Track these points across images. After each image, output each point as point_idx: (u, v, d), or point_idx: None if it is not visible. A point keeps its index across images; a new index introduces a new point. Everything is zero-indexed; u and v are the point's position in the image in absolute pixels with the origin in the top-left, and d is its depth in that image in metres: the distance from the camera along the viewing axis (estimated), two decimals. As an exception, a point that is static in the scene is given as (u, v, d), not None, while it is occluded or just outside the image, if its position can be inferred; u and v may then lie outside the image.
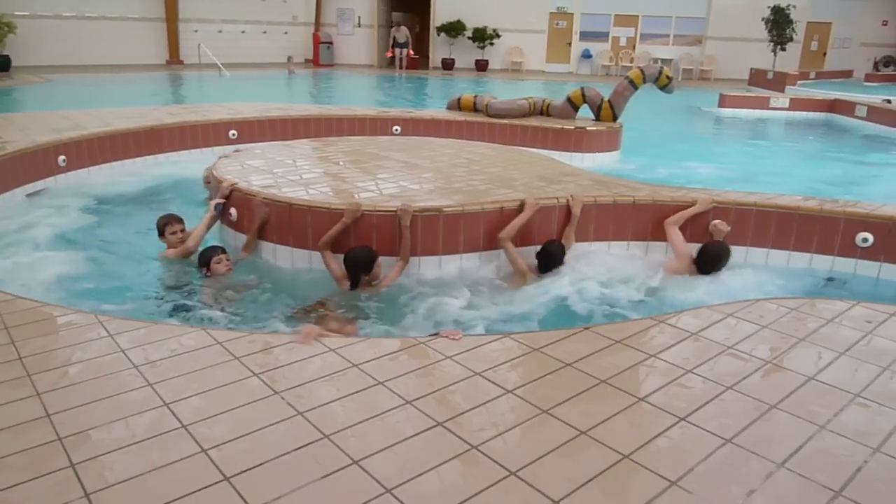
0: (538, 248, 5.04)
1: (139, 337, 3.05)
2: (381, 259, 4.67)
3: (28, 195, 6.81)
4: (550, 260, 4.96)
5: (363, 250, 4.63)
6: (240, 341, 3.04)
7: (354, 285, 4.60)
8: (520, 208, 5.08)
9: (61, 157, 7.24)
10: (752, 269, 5.13)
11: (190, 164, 8.49)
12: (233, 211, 5.38)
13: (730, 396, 2.68)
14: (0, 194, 6.47)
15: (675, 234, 5.20)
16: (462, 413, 2.52)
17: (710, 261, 4.91)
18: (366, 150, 7.07)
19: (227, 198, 5.33)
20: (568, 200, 5.25)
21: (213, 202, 5.35)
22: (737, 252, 5.11)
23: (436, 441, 2.35)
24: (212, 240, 5.34)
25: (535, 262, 5.02)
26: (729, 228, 5.21)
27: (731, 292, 4.50)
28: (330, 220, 4.71)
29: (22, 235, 5.88)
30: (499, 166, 6.47)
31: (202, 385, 2.66)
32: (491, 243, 5.03)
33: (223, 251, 4.93)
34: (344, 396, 2.61)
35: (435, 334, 3.22)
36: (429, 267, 4.94)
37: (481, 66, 25.66)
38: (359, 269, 4.58)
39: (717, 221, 5.29)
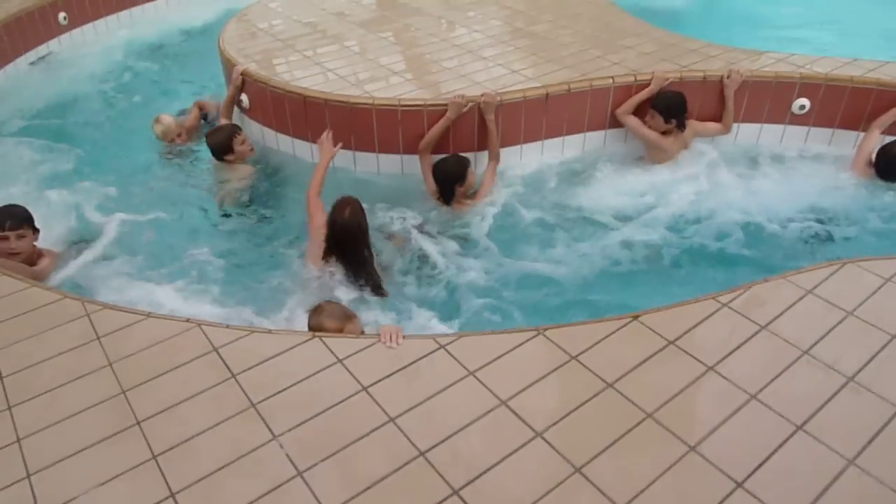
0: None
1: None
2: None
3: (31, 63, 6.23)
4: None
5: (454, 159, 4.08)
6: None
7: (448, 201, 4.09)
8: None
9: (62, 15, 6.51)
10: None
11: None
12: (244, 97, 4.74)
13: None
14: (2, 67, 5.92)
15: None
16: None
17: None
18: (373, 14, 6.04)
19: (241, 87, 4.65)
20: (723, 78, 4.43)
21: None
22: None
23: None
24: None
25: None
26: None
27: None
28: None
29: (31, 122, 5.43)
30: (546, 21, 5.44)
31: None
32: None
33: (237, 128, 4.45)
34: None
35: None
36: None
37: None
38: (453, 181, 4.04)
39: None
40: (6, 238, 3.38)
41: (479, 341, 2.58)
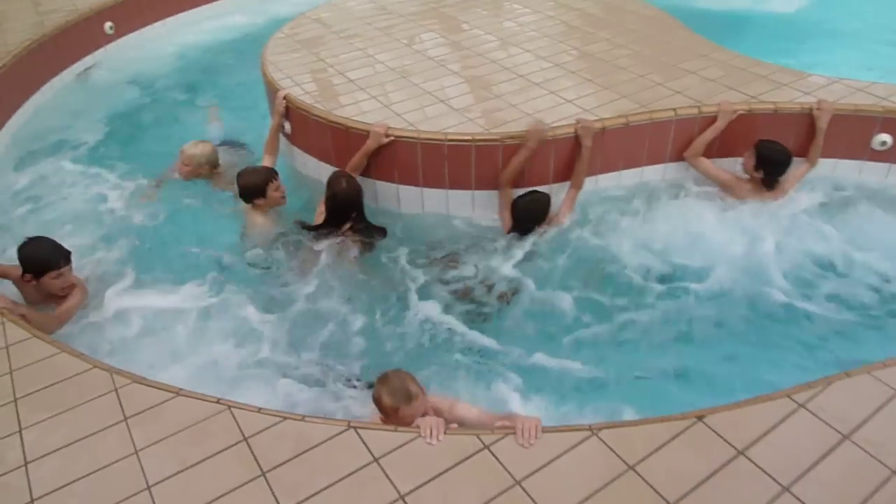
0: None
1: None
2: None
3: (78, 75, 6.19)
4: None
5: (544, 200, 3.94)
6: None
7: (524, 233, 3.98)
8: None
9: (108, 24, 6.45)
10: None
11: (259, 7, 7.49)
12: (286, 124, 4.57)
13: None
14: (48, 81, 5.89)
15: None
16: None
17: None
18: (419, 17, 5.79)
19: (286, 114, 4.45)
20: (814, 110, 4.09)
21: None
22: None
23: None
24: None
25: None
26: None
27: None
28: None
29: (79, 135, 5.36)
30: (603, 39, 5.12)
31: None
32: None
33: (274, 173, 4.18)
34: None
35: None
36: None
37: None
38: (537, 221, 3.96)
39: None
40: (61, 275, 3.42)
41: (526, 441, 2.37)
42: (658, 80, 4.50)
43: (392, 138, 4.02)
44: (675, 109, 4.16)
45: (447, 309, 3.63)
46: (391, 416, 2.59)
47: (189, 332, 3.44)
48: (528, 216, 3.94)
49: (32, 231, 3.81)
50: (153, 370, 2.98)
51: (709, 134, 4.11)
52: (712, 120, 4.14)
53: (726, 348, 3.37)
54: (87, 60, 6.32)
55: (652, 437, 2.35)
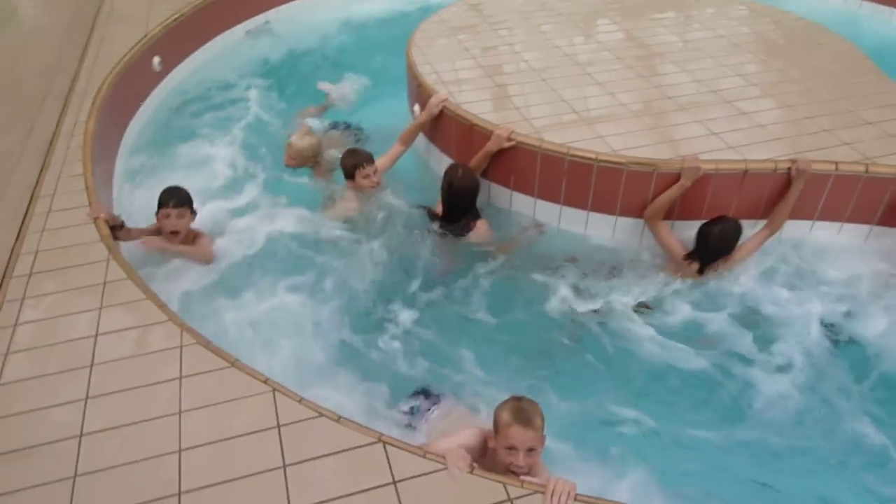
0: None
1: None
2: None
3: (248, 32, 6.54)
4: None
5: (735, 225, 3.61)
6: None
7: (703, 270, 3.67)
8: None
9: (284, -16, 6.75)
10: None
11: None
12: (416, 108, 4.54)
13: None
14: (220, 34, 6.28)
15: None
16: None
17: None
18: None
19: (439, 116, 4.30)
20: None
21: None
22: None
23: None
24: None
25: None
26: None
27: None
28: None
29: (242, 93, 5.68)
30: (775, 70, 4.59)
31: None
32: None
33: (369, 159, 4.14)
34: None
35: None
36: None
37: None
38: (725, 251, 3.63)
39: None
40: (168, 215, 3.58)
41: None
42: (826, 126, 3.97)
43: (514, 143, 3.87)
44: (836, 164, 3.64)
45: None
46: (499, 431, 2.41)
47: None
48: (718, 245, 3.59)
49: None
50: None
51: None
52: (872, 182, 3.59)
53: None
54: (259, 18, 6.63)
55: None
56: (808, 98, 4.26)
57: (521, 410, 2.40)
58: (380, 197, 4.20)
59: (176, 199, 3.62)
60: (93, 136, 4.14)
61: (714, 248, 3.59)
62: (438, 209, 4.06)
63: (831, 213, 3.77)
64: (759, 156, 3.68)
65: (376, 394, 3.14)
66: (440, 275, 3.89)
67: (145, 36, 5.32)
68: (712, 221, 3.61)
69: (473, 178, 3.94)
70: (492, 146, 3.90)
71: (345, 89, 5.57)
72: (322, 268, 3.83)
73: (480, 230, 3.97)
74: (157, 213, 3.61)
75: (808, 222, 3.83)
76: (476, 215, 4.00)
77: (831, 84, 4.41)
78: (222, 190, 4.35)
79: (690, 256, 3.66)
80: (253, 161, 4.70)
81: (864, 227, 3.80)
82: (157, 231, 3.70)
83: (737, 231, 3.59)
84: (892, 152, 3.72)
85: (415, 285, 3.79)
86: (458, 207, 3.95)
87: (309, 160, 4.54)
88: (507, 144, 3.87)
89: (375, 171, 4.12)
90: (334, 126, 5.05)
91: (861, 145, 3.79)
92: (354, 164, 4.09)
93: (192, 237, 3.74)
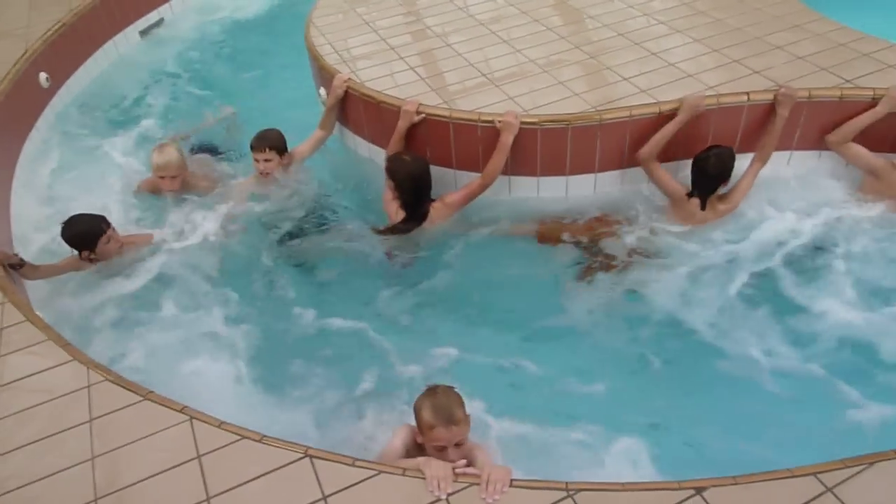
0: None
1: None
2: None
3: (141, 32, 6.19)
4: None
5: (727, 151, 3.51)
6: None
7: (704, 204, 3.58)
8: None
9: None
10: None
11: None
12: (322, 91, 4.34)
13: None
14: (111, 37, 5.92)
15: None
16: None
17: None
18: None
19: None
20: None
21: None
22: None
23: None
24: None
25: None
26: None
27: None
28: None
29: (145, 108, 5.37)
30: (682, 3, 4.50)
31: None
32: None
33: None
34: None
35: None
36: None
37: None
38: (722, 177, 3.52)
39: None
40: (111, 237, 3.57)
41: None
42: (738, 55, 3.91)
43: (423, 116, 3.72)
44: (748, 94, 3.59)
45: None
46: (424, 433, 2.37)
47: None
48: (717, 169, 3.49)
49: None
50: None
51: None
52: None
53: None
54: (152, 15, 6.28)
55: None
56: (719, 29, 4.19)
57: (440, 408, 2.32)
58: (302, 191, 4.08)
59: (103, 220, 3.57)
60: (-23, 169, 3.87)
61: (713, 173, 3.49)
62: (393, 214, 3.77)
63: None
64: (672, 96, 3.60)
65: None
66: (401, 268, 3.76)
67: (26, 52, 4.97)
68: (705, 150, 3.53)
69: (422, 158, 3.71)
70: (402, 124, 3.74)
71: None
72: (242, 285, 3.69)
73: (440, 209, 3.72)
74: (95, 249, 3.55)
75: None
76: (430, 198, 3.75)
77: (742, 10, 4.34)
78: (126, 208, 4.12)
79: (691, 193, 3.58)
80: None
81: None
82: (74, 264, 3.60)
83: (731, 155, 3.50)
84: (798, 76, 3.68)
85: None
86: (422, 197, 3.68)
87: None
88: (417, 119, 3.72)
89: (268, 160, 3.95)
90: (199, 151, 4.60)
91: (771, 72, 3.74)
92: (251, 145, 3.97)
93: (121, 245, 3.66)
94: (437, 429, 2.30)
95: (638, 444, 2.66)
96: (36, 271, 3.49)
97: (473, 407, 2.64)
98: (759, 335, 3.15)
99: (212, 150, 4.61)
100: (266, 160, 3.95)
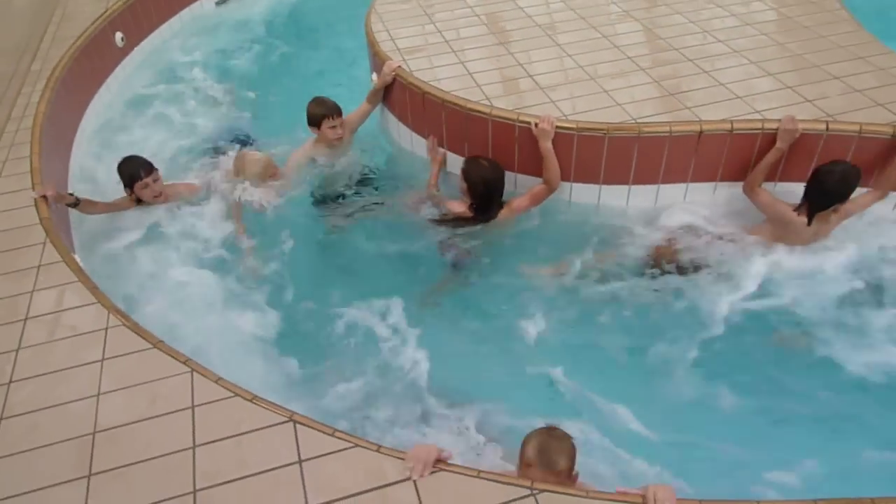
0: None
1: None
2: None
3: (217, 2, 6.44)
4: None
5: (853, 166, 3.28)
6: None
7: (811, 219, 3.36)
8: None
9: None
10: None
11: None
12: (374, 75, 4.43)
13: None
14: (188, 5, 6.18)
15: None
16: None
17: None
18: None
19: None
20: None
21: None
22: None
23: None
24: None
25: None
26: None
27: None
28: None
29: (212, 74, 5.59)
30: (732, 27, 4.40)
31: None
32: None
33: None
34: None
35: None
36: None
37: None
38: (842, 195, 3.27)
39: None
40: (148, 185, 3.76)
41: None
42: (790, 82, 3.80)
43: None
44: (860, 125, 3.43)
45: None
46: (522, 464, 2.31)
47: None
48: (838, 186, 3.23)
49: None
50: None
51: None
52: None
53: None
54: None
55: (597, 514, 2.03)
56: (776, 54, 4.08)
57: (545, 451, 2.24)
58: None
59: (146, 167, 3.74)
60: (44, 117, 4.12)
61: (833, 189, 3.23)
62: (455, 208, 3.82)
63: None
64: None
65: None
66: (464, 258, 3.80)
67: (106, 11, 5.25)
68: (831, 163, 3.29)
69: (499, 165, 3.70)
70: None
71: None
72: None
73: (506, 213, 3.74)
74: (134, 186, 3.73)
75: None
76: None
77: (803, 38, 4.21)
78: (183, 171, 4.32)
79: (800, 207, 3.36)
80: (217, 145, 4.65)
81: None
82: (125, 203, 3.82)
83: (857, 174, 3.25)
84: (850, 110, 3.55)
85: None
86: (492, 201, 3.70)
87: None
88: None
89: (342, 124, 4.14)
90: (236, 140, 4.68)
91: (823, 103, 3.62)
92: (323, 113, 4.09)
93: (159, 194, 3.85)
94: (534, 469, 2.24)
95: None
96: (94, 206, 3.75)
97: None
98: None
99: (244, 142, 4.67)
100: (341, 126, 4.14)
